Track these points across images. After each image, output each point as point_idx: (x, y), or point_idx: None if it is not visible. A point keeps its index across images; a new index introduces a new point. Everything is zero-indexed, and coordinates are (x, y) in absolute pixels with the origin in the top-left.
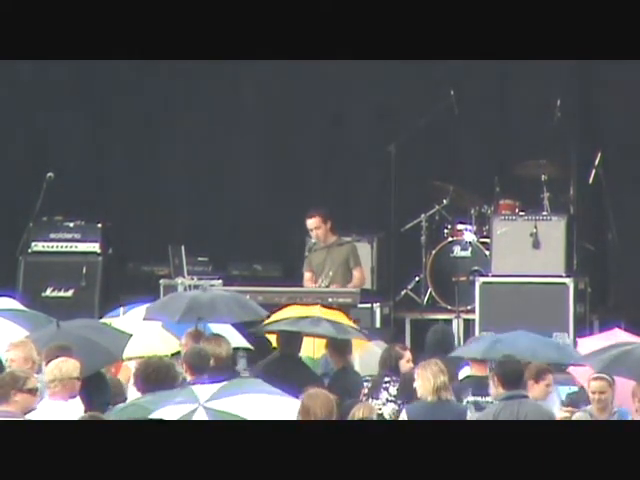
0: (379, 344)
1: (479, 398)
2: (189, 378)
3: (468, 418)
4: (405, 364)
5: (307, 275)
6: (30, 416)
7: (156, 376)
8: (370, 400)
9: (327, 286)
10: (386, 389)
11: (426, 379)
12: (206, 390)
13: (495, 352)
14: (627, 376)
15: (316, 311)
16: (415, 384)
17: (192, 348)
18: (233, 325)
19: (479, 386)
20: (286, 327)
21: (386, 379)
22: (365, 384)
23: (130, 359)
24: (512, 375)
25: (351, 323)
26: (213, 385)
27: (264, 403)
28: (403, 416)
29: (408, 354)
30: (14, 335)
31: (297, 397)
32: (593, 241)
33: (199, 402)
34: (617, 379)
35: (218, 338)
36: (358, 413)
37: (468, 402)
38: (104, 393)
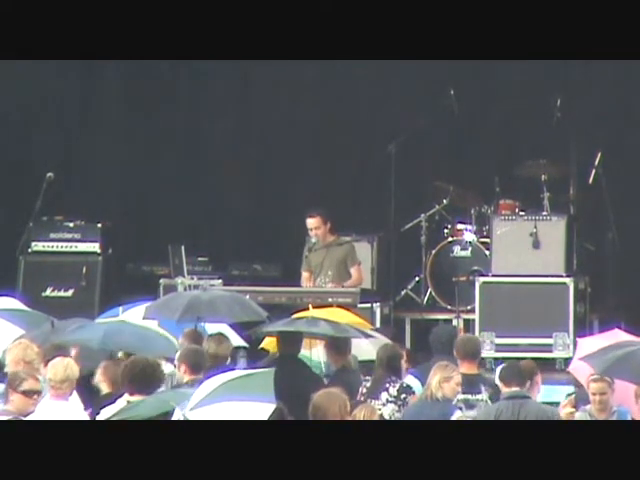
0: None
1: (469, 396)
2: (187, 378)
3: (456, 417)
4: (403, 364)
5: (305, 275)
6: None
7: (143, 375)
8: (370, 400)
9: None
10: (386, 390)
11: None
12: (198, 393)
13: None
14: (629, 379)
15: (323, 312)
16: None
17: (188, 347)
18: (230, 325)
19: (469, 384)
20: (283, 327)
21: (387, 379)
22: (364, 383)
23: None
24: (517, 375)
25: (360, 321)
26: (207, 386)
27: (238, 412)
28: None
29: (404, 353)
30: (11, 335)
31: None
32: (593, 241)
33: (182, 412)
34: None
35: (218, 337)
36: (359, 414)
37: (458, 400)
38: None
